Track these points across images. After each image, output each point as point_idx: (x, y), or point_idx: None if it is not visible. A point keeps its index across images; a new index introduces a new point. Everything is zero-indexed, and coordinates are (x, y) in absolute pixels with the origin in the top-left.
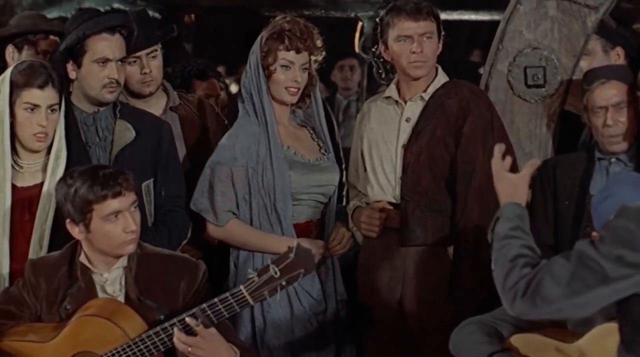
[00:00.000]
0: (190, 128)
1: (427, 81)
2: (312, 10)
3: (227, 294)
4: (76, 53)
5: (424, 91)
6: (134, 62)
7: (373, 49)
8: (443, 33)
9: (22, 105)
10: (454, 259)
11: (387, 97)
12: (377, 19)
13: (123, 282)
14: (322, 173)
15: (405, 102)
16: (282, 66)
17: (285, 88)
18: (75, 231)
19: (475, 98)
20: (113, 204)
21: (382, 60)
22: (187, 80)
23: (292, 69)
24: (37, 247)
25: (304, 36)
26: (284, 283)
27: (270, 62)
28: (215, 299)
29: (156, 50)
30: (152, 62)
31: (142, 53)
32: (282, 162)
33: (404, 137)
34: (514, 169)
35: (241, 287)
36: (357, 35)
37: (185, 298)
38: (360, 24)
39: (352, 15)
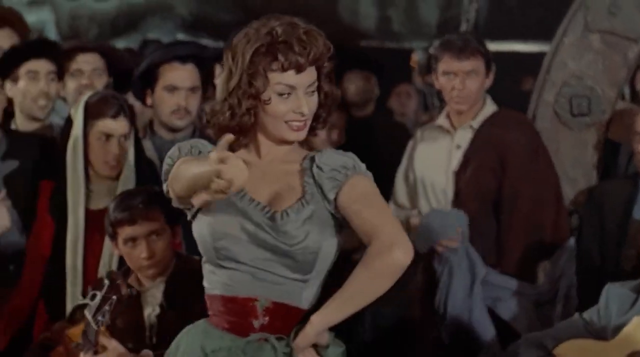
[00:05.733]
0: None
1: (476, 110)
2: (369, 42)
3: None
4: (150, 80)
5: (473, 119)
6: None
7: (427, 78)
8: (493, 66)
9: (96, 134)
10: None
11: (439, 126)
12: (429, 50)
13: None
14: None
15: (456, 130)
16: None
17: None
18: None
19: (521, 128)
20: (127, 230)
21: (435, 89)
22: None
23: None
24: (107, 268)
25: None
26: (100, 318)
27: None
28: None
29: None
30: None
31: None
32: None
33: (454, 163)
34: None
35: (85, 311)
36: (412, 64)
37: None
38: (415, 54)
39: (406, 46)
